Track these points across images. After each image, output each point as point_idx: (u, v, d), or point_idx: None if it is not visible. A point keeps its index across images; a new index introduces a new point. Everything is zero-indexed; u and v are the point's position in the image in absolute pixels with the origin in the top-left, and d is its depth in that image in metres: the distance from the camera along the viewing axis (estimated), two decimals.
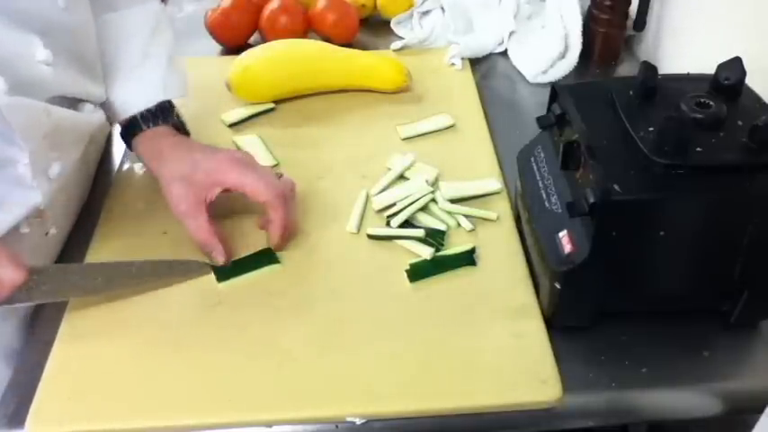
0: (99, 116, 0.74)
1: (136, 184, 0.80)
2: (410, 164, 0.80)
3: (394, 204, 0.74)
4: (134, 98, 0.73)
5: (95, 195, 0.80)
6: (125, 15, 0.75)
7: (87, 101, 0.71)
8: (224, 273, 0.68)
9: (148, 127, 0.73)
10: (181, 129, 0.76)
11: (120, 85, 0.74)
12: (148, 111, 0.73)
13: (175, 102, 0.75)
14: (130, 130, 0.74)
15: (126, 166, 0.82)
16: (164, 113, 0.74)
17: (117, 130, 0.78)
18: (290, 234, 0.70)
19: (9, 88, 0.58)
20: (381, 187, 0.77)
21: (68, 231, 0.74)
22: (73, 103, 0.70)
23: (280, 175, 0.72)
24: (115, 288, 0.65)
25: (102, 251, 0.71)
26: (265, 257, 0.69)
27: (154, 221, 0.74)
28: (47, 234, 0.68)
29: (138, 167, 0.82)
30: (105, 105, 0.74)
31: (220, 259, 0.68)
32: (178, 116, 0.76)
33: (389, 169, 0.80)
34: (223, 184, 0.68)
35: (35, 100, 0.62)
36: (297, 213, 0.72)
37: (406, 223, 0.73)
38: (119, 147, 0.86)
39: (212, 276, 0.68)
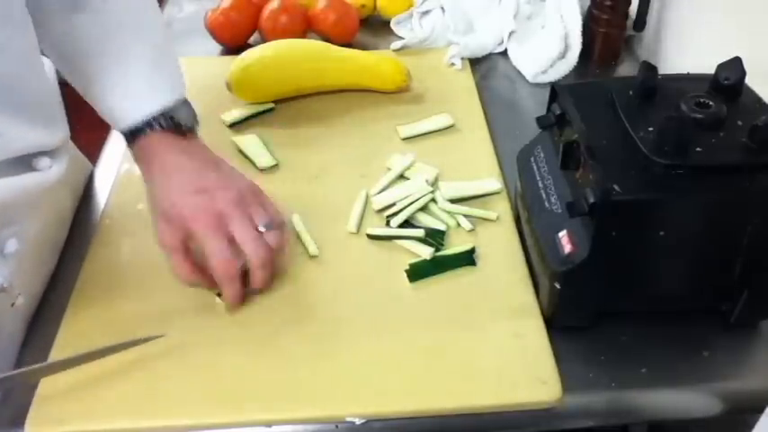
0: (57, 170, 0.67)
1: (136, 184, 0.80)
2: (410, 164, 0.80)
3: (394, 204, 0.74)
4: (127, 109, 0.67)
5: (94, 199, 0.80)
6: (103, 12, 0.66)
7: (42, 153, 0.65)
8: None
9: (152, 129, 0.66)
10: (184, 127, 0.68)
11: (110, 93, 0.67)
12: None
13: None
14: (132, 131, 0.68)
15: (125, 167, 0.82)
16: (164, 117, 0.67)
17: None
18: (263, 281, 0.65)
19: None
20: (381, 187, 0.77)
21: (41, 292, 0.68)
22: (24, 160, 0.64)
23: (275, 225, 0.65)
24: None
25: (102, 251, 0.71)
26: None
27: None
28: (13, 305, 0.63)
29: (138, 168, 0.81)
30: (101, 111, 0.69)
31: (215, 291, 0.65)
32: (186, 110, 0.69)
33: (389, 169, 0.80)
34: (189, 234, 0.63)
35: None
36: (281, 257, 0.67)
37: (406, 223, 0.73)
38: (115, 149, 0.86)
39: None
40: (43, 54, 0.68)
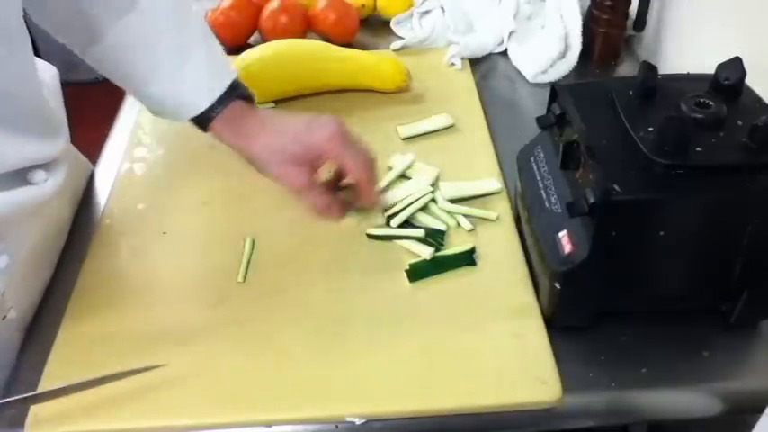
0: (53, 183, 0.65)
1: (136, 184, 0.80)
2: (410, 163, 0.79)
3: (394, 204, 0.75)
4: (195, 97, 0.68)
5: (94, 199, 0.80)
6: (150, 9, 0.66)
7: (38, 166, 0.64)
8: None
9: (223, 109, 0.68)
10: (250, 97, 0.72)
11: (172, 89, 0.68)
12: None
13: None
14: (202, 118, 0.69)
15: (125, 167, 0.82)
16: (232, 90, 0.69)
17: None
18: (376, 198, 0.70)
19: None
20: (382, 187, 0.77)
21: (37, 302, 0.68)
22: (19, 174, 0.62)
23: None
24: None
25: (102, 251, 0.71)
26: None
27: (154, 221, 0.74)
28: (4, 318, 0.63)
29: (138, 168, 0.82)
30: (162, 107, 0.70)
31: (340, 215, 0.68)
32: (243, 85, 0.71)
33: (390, 169, 0.80)
34: (327, 157, 0.66)
35: None
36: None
37: (406, 223, 0.73)
38: (115, 149, 0.86)
39: (211, 276, 0.68)
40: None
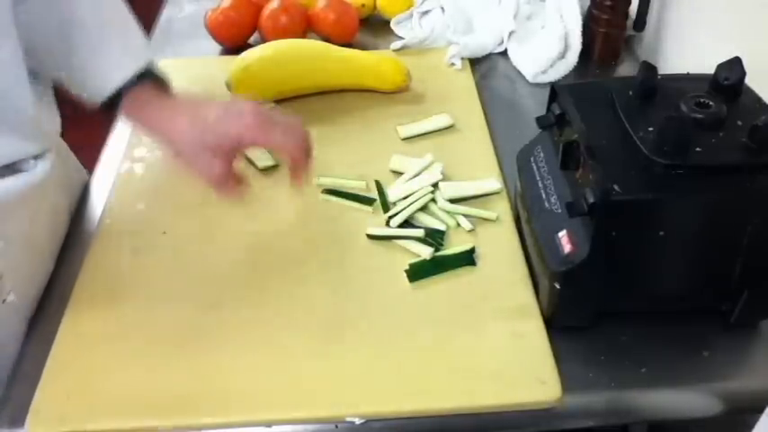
0: (42, 168, 0.67)
1: (136, 184, 0.80)
2: (428, 164, 0.79)
3: (394, 204, 0.75)
4: (106, 77, 0.66)
5: (94, 199, 0.80)
6: None
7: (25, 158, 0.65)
8: None
9: (132, 90, 0.66)
10: (165, 82, 0.70)
11: (85, 65, 0.66)
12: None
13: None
14: (113, 99, 0.67)
15: (125, 167, 0.82)
16: (145, 73, 0.67)
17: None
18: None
19: None
20: (398, 189, 0.77)
21: (40, 291, 0.68)
22: (9, 165, 0.64)
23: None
24: None
25: (102, 250, 0.71)
26: None
27: (154, 221, 0.74)
28: (4, 301, 0.63)
29: (138, 168, 0.82)
30: (73, 86, 0.68)
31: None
32: (158, 70, 0.70)
33: (392, 170, 0.80)
34: (252, 145, 0.67)
35: None
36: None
37: (406, 223, 0.73)
38: (115, 150, 0.86)
39: (211, 276, 0.68)
40: None
